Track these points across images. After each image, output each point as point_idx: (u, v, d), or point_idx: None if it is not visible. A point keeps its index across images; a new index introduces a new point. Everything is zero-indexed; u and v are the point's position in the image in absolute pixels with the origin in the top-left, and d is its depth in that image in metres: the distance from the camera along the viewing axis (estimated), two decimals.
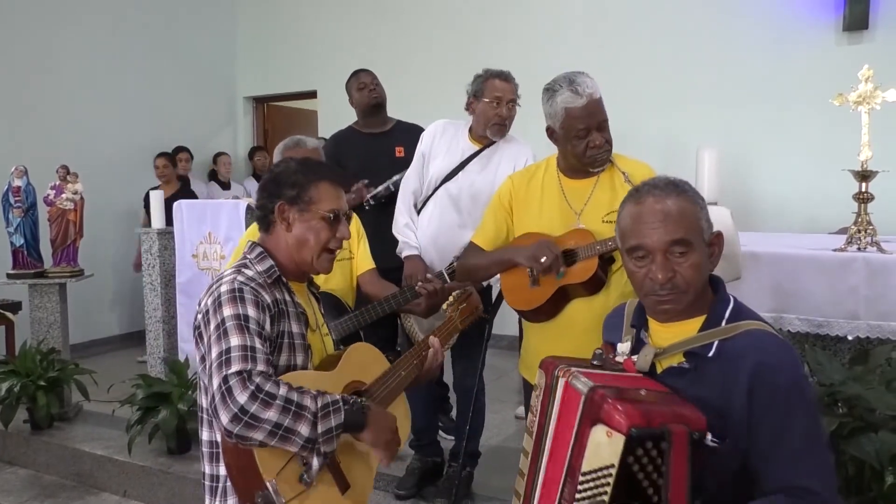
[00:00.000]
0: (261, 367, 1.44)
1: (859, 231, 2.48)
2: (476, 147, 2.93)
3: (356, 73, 3.67)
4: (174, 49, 6.59)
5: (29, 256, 4.25)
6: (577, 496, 1.24)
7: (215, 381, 1.41)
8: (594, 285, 2.07)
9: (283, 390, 1.41)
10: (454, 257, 2.60)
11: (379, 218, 3.15)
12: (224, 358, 1.43)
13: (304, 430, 1.40)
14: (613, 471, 1.19)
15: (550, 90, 2.11)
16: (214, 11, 7.02)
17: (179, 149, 6.29)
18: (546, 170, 2.23)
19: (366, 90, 3.57)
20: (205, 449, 1.61)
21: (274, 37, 7.01)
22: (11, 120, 5.35)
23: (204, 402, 1.55)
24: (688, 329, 1.40)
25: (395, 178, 3.25)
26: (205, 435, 1.61)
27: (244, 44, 7.21)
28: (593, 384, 1.28)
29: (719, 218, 1.88)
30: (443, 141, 2.96)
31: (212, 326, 1.50)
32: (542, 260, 2.02)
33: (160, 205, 4.27)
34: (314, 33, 6.71)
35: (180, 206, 4.05)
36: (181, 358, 3.84)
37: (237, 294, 1.53)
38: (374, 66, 3.77)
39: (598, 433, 1.22)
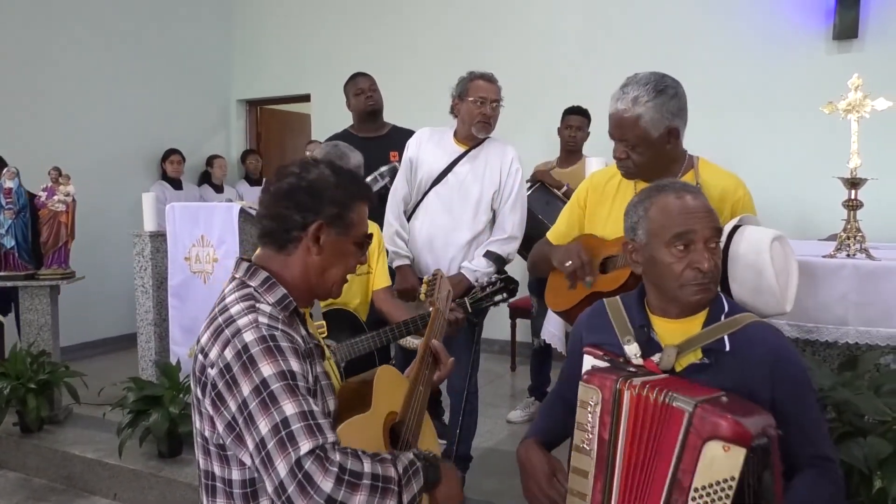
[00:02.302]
0: (331, 437, 1.21)
1: (848, 238, 2.50)
2: (462, 149, 2.96)
3: (354, 78, 3.67)
4: (169, 52, 6.58)
5: (20, 258, 4.23)
6: None
7: (282, 467, 1.16)
8: None
9: (366, 466, 1.21)
10: (476, 283, 2.57)
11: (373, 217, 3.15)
12: (285, 434, 1.18)
13: None
14: (734, 483, 1.24)
15: None
16: (209, 15, 7.01)
17: (171, 151, 6.29)
18: None
19: (362, 96, 3.57)
20: (218, 485, 1.37)
21: (268, 40, 7.01)
22: (3, 121, 5.31)
23: (216, 468, 1.34)
24: (693, 325, 1.50)
25: (382, 169, 3.26)
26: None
27: (238, 47, 7.20)
28: (694, 399, 1.30)
29: (757, 242, 1.72)
30: (429, 146, 3.00)
31: (247, 389, 1.22)
32: (567, 265, 2.00)
33: (152, 207, 4.26)
34: (308, 37, 6.72)
35: (173, 208, 4.04)
36: (172, 361, 3.83)
37: (271, 344, 1.26)
38: (367, 70, 3.78)
39: (714, 448, 1.25)
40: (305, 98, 6.89)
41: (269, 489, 1.19)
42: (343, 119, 3.81)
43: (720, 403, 1.30)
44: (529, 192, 3.68)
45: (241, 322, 1.29)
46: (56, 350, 4.31)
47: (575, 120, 4.27)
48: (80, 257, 4.64)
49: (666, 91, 1.92)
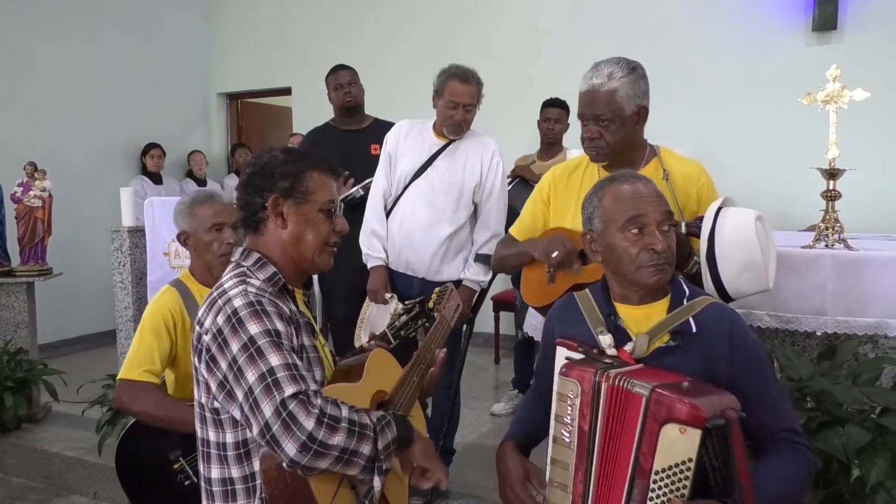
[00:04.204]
0: (313, 385, 1.32)
1: (827, 228, 2.51)
2: (442, 142, 2.93)
3: (335, 71, 3.62)
4: (148, 45, 6.50)
5: None
6: (652, 494, 1.30)
7: (267, 408, 1.27)
8: None
9: (344, 411, 1.32)
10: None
11: (353, 217, 3.12)
12: (271, 380, 1.29)
13: (366, 450, 1.32)
14: (692, 464, 1.26)
15: None
16: (189, 7, 6.93)
17: (151, 145, 6.21)
18: (589, 163, 2.12)
19: (341, 91, 3.52)
20: (212, 451, 1.47)
21: (248, 33, 6.93)
22: None
23: (211, 434, 1.45)
24: (657, 310, 1.54)
25: (368, 181, 3.20)
26: (214, 473, 1.47)
27: (218, 39, 7.12)
28: (651, 384, 1.31)
29: (742, 221, 1.78)
30: (409, 139, 2.96)
31: (235, 347, 1.34)
32: (554, 255, 1.97)
33: (130, 202, 4.21)
34: (289, 29, 6.65)
35: (151, 203, 3.99)
36: None
37: (258, 307, 1.38)
38: (348, 62, 3.74)
39: (670, 431, 1.27)
40: (286, 91, 6.83)
41: (255, 432, 1.29)
42: (324, 112, 3.76)
43: (678, 388, 1.31)
44: (509, 187, 3.66)
45: (232, 292, 1.42)
46: (34, 347, 4.25)
47: (553, 112, 4.27)
48: (58, 253, 4.59)
49: (636, 70, 1.98)
